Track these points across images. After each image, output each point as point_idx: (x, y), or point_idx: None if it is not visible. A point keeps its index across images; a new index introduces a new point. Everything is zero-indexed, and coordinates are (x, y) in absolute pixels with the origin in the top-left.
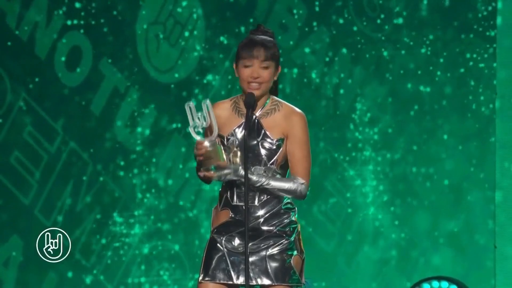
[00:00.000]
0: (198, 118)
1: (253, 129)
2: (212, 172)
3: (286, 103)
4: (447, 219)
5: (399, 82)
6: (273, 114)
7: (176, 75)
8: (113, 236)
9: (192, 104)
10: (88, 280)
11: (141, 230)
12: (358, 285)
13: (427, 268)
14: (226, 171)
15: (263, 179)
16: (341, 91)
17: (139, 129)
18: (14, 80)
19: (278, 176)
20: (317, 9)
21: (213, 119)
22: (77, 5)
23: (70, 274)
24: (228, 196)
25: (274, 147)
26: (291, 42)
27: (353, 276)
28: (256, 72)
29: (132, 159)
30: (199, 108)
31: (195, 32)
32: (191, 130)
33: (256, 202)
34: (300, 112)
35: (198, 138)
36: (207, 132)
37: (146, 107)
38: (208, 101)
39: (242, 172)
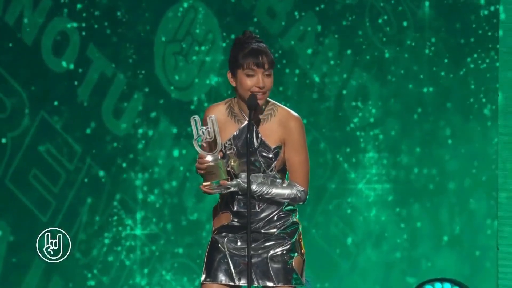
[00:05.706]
0: (203, 132)
1: (251, 136)
2: (214, 187)
3: (281, 106)
4: (450, 221)
5: (401, 83)
6: (269, 120)
7: (194, 98)
8: (127, 244)
9: (197, 117)
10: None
11: (147, 232)
12: (361, 287)
13: (429, 270)
14: (227, 190)
15: (263, 188)
16: (337, 83)
17: (150, 133)
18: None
19: (277, 181)
20: None
21: (217, 134)
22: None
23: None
24: (229, 201)
25: (271, 155)
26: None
27: (356, 278)
28: (261, 81)
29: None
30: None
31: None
32: (194, 143)
33: (257, 208)
34: (297, 116)
35: (201, 151)
36: (211, 145)
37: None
38: (214, 117)
39: (243, 185)
